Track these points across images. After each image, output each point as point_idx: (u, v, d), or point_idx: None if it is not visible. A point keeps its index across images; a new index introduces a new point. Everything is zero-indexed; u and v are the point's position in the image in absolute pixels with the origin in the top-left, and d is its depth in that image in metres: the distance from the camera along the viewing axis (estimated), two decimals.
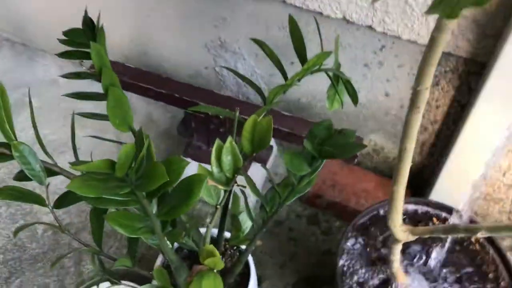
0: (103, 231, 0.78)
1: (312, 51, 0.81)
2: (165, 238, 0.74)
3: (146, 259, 1.19)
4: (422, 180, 1.26)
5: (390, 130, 1.20)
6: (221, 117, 1.09)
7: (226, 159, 0.77)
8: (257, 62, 1.23)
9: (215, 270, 0.76)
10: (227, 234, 0.94)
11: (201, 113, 1.12)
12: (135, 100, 1.51)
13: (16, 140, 0.74)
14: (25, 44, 1.64)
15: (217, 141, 0.78)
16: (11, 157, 0.75)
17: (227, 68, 0.87)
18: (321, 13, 1.05)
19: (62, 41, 0.81)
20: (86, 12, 0.81)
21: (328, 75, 0.88)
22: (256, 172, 1.25)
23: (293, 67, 1.20)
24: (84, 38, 0.82)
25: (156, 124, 1.47)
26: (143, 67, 1.19)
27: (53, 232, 1.22)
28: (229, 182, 0.78)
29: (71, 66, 1.58)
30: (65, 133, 1.42)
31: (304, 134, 1.05)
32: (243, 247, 0.98)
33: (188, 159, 1.23)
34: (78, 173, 0.81)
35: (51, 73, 1.58)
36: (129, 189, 0.61)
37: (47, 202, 0.74)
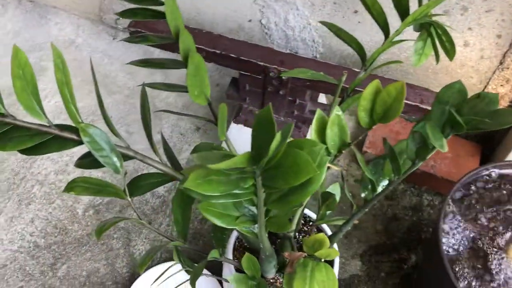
0: (189, 222, 0.67)
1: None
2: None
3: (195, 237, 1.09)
4: (493, 140, 1.16)
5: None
6: (283, 78, 0.96)
7: (332, 132, 0.65)
8: (312, 12, 1.09)
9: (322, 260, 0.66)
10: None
11: (258, 74, 0.99)
12: (162, 55, 1.37)
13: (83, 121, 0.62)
14: (33, 0, 1.46)
15: (319, 112, 0.66)
16: (79, 142, 0.63)
17: None
18: None
19: None
20: None
21: (423, 25, 0.75)
22: None
23: (356, 16, 1.06)
24: None
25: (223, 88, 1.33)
26: None
27: (95, 212, 1.11)
28: (332, 159, 0.67)
29: (89, 24, 1.42)
30: (92, 100, 1.28)
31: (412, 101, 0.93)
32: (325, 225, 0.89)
33: (240, 125, 1.11)
34: (154, 157, 0.69)
35: (66, 32, 1.41)
36: (252, 182, 0.50)
37: (126, 193, 0.63)
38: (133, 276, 1.03)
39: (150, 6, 0.67)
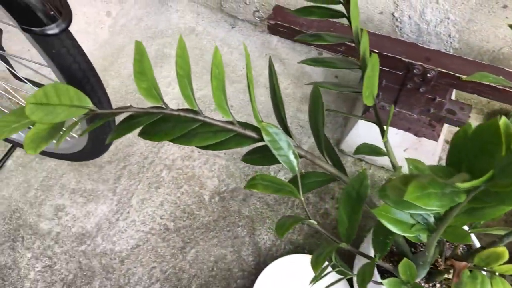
0: (358, 224, 0.66)
1: None
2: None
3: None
4: None
5: None
6: (428, 75, 0.93)
7: None
8: (454, 5, 1.04)
9: (497, 274, 0.63)
10: None
11: (399, 70, 0.96)
12: (280, 47, 1.36)
13: (262, 120, 0.62)
14: None
15: (503, 119, 0.63)
16: (257, 140, 0.63)
17: None
18: None
19: None
20: None
21: None
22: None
23: (505, 11, 1.00)
24: None
25: (310, 77, 1.32)
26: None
27: (220, 198, 1.13)
28: None
29: (208, 12, 1.44)
30: None
31: None
32: None
33: (368, 122, 1.09)
34: (322, 159, 0.69)
35: (186, 20, 1.44)
36: (465, 197, 0.48)
37: (300, 193, 0.63)
38: (259, 265, 1.05)
39: (328, 5, 0.66)
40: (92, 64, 0.71)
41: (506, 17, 1.01)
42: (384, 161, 1.15)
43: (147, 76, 0.53)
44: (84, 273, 1.05)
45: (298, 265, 1.01)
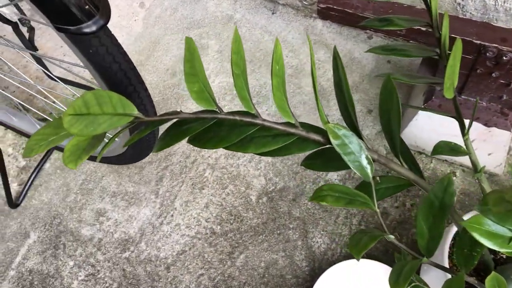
0: (441, 238, 0.57)
1: None
2: None
3: None
4: None
5: None
6: (504, 58, 0.82)
7: None
8: None
9: None
10: None
11: (468, 53, 0.86)
12: (325, 32, 1.26)
13: (329, 122, 0.54)
14: None
15: None
16: (323, 144, 0.55)
17: None
18: None
19: None
20: None
21: None
22: None
23: None
24: None
25: (359, 63, 1.22)
26: None
27: (268, 199, 1.06)
28: None
29: None
30: (256, 80, 1.22)
31: None
32: None
33: (429, 112, 0.99)
34: (397, 163, 0.60)
35: (223, 8, 1.36)
36: None
37: (375, 203, 0.54)
38: (314, 271, 0.97)
39: None
40: (133, 63, 0.64)
41: None
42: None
43: (198, 77, 0.45)
44: (129, 282, 0.99)
45: (357, 270, 0.93)
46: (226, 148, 0.54)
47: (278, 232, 1.02)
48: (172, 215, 1.06)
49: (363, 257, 0.98)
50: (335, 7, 0.89)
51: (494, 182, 1.03)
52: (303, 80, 1.22)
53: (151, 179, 1.11)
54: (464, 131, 0.63)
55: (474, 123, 0.96)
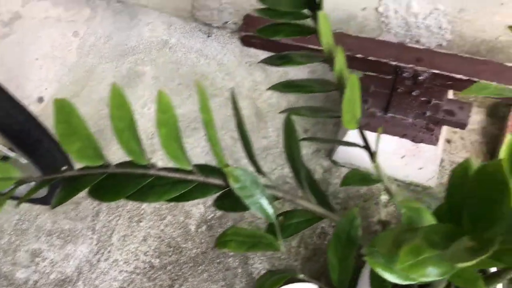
0: (351, 271, 0.57)
1: None
2: None
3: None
4: None
5: None
6: (420, 77, 0.83)
7: None
8: None
9: None
10: None
11: (388, 74, 0.87)
12: (260, 53, 1.26)
13: (227, 164, 0.53)
14: (122, 0, 1.40)
15: (509, 137, 0.53)
16: (226, 187, 0.54)
17: None
18: None
19: (260, 13, 0.56)
20: None
21: None
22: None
23: None
24: (288, 3, 0.57)
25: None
26: None
27: (207, 227, 1.05)
28: None
29: (181, 22, 1.34)
30: (193, 105, 1.21)
31: None
32: None
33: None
34: (304, 198, 0.60)
35: (158, 33, 1.35)
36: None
37: (279, 243, 0.54)
38: None
39: (295, 21, 0.56)
40: (33, 114, 0.62)
41: (502, 3, 0.91)
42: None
43: (77, 135, 0.44)
44: None
45: None
46: (125, 198, 0.52)
47: (218, 261, 1.01)
48: (109, 251, 1.03)
49: (303, 281, 0.97)
50: (256, 34, 0.89)
51: (428, 194, 1.04)
52: (241, 103, 1.21)
53: (88, 215, 1.08)
54: (372, 158, 0.64)
55: (403, 139, 0.97)
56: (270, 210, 0.53)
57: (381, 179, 0.65)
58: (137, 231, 1.05)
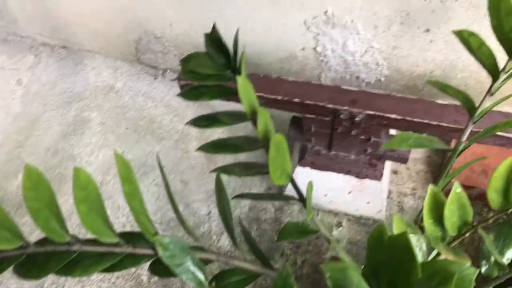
0: None
1: None
2: None
3: None
4: None
5: None
6: (356, 119, 0.85)
7: (450, 212, 0.54)
8: (376, 34, 0.97)
9: None
10: None
11: (326, 116, 0.88)
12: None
13: (157, 232, 0.53)
14: (66, 46, 1.39)
15: (431, 188, 0.55)
16: (155, 255, 0.54)
17: None
18: None
19: (183, 75, 0.57)
20: (214, 27, 0.56)
21: None
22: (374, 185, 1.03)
23: (428, 35, 0.94)
24: (210, 66, 0.57)
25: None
26: None
27: (160, 278, 1.02)
28: (450, 241, 0.56)
29: (127, 65, 1.33)
30: (141, 150, 1.19)
31: None
32: None
33: (306, 168, 1.01)
34: (238, 257, 0.59)
35: (104, 77, 1.34)
36: None
37: None
38: None
39: (217, 83, 0.57)
40: None
41: (431, 41, 0.94)
42: (331, 205, 1.07)
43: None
44: None
45: None
46: (54, 273, 0.51)
47: None
48: None
49: None
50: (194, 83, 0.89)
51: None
52: (190, 144, 1.21)
53: None
54: (308, 212, 0.64)
55: (347, 176, 0.98)
56: (201, 276, 0.53)
57: (319, 229, 0.66)
58: (88, 285, 1.02)
